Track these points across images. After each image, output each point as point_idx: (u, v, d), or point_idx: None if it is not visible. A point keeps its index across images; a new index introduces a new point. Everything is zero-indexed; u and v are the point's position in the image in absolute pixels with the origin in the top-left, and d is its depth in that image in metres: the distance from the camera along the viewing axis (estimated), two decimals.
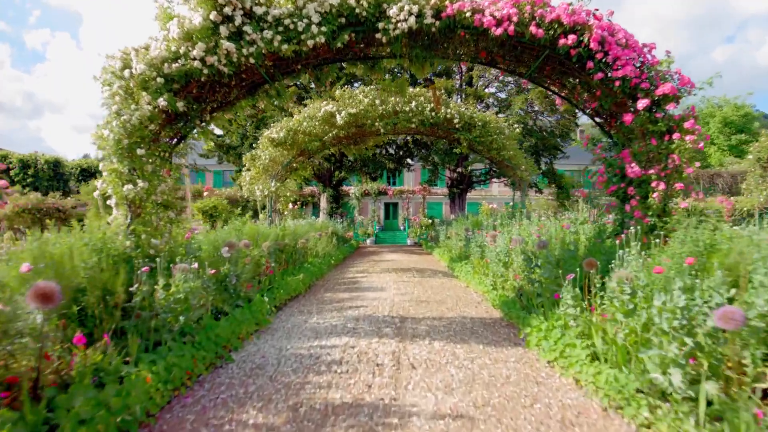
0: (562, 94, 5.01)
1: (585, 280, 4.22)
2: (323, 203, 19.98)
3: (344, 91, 9.18)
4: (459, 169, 19.87)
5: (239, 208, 20.86)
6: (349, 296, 6.73)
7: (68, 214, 10.40)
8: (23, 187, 23.16)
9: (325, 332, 4.58)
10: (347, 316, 5.30)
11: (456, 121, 8.92)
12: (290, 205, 12.37)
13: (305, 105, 9.59)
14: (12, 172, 25.11)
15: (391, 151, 19.94)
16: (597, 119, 5.01)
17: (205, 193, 8.68)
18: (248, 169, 9.73)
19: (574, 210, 10.40)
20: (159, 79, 4.04)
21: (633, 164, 4.32)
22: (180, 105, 4.19)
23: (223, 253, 4.71)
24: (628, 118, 4.14)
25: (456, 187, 19.84)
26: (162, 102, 4.04)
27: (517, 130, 9.63)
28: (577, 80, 4.64)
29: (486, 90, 19.05)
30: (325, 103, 8.98)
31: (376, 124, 8.82)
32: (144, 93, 4.06)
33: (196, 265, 3.76)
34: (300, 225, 12.59)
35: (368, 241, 27.59)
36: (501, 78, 18.26)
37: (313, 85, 16.46)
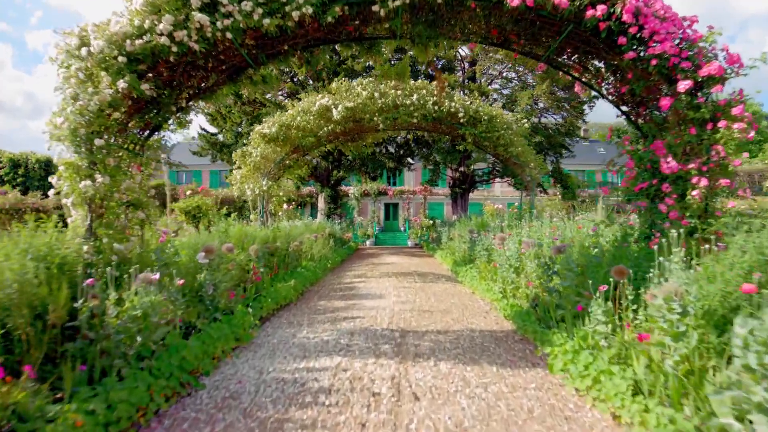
0: (584, 79, 4.46)
1: (613, 291, 3.67)
2: (321, 204, 19.42)
3: (341, 83, 8.64)
4: (461, 169, 19.32)
5: (233, 209, 20.25)
6: (344, 305, 6.17)
7: (49, 215, 9.81)
8: (13, 187, 22.62)
9: (315, 350, 4.02)
10: (341, 330, 4.75)
11: (460, 115, 8.37)
12: (285, 206, 11.82)
13: (300, 99, 9.04)
14: (2, 171, 24.58)
15: (391, 149, 19.40)
16: (623, 108, 4.45)
17: (188, 192, 8.18)
18: (239, 167, 9.19)
19: (585, 210, 9.85)
20: (120, 58, 3.49)
21: (668, 158, 3.77)
22: (146, 88, 3.64)
23: (199, 259, 4.16)
24: (665, 103, 3.58)
25: (458, 187, 19.29)
26: (123, 84, 3.49)
27: (526, 124, 9.09)
28: (603, 62, 4.08)
29: (490, 86, 18.51)
30: (320, 96, 8.44)
31: (375, 118, 8.27)
32: (104, 74, 3.52)
33: (159, 274, 3.20)
34: (295, 226, 12.05)
35: (368, 242, 27.05)
36: (504, 75, 17.73)
37: (310, 81, 15.94)
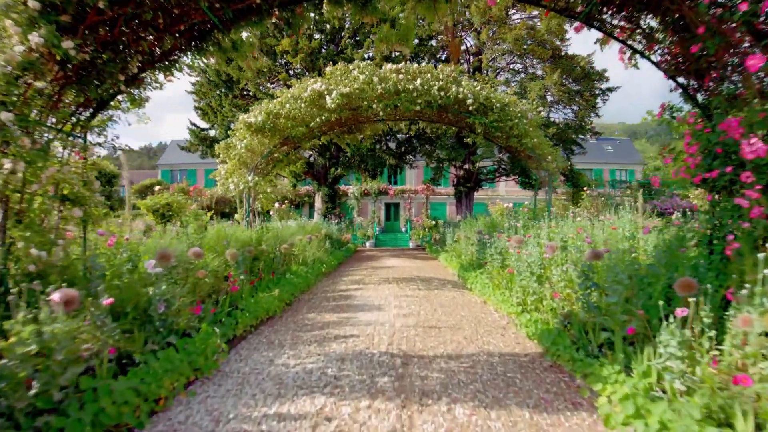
0: (631, 43, 3.61)
1: (667, 306, 2.83)
2: (318, 203, 18.60)
3: (336, 68, 7.80)
4: (466, 166, 18.48)
5: (228, 209, 19.44)
6: (336, 319, 5.33)
7: None
8: None
9: (294, 384, 3.18)
10: (330, 354, 3.91)
11: (469, 102, 7.53)
12: (277, 204, 11.00)
13: (290, 86, 8.21)
14: None
15: (392, 146, 18.58)
16: (679, 79, 3.60)
17: (157, 188, 7.40)
18: (223, 161, 8.37)
19: (603, 210, 8.97)
20: (32, 3, 2.66)
21: (752, 139, 2.92)
22: (70, 47, 2.81)
23: (148, 268, 3.33)
24: (753, 62, 2.74)
25: (463, 186, 18.45)
26: (36, 39, 2.66)
27: (543, 113, 8.22)
28: (660, 17, 3.24)
29: (498, 77, 17.67)
30: (312, 81, 7.60)
31: (374, 106, 7.43)
32: (11, 25, 2.69)
33: (84, 291, 2.37)
34: (288, 227, 11.22)
35: (368, 243, 26.22)
36: (512, 66, 16.90)
37: (306, 73, 15.11)
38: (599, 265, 3.97)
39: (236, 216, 8.16)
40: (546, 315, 4.72)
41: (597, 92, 16.80)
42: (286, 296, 6.13)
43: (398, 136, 19.29)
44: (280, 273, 7.30)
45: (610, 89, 16.94)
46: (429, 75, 7.57)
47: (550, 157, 8.34)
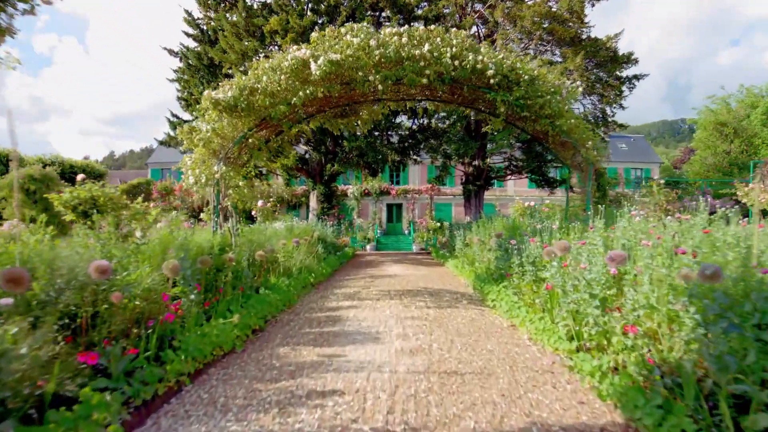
0: None
1: None
2: (313, 203, 17.19)
3: (324, 32, 6.40)
4: (475, 162, 17.04)
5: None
6: (316, 358, 3.91)
7: None
8: None
9: None
10: None
11: (490, 73, 6.10)
12: (260, 203, 9.60)
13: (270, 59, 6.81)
14: None
15: (394, 140, 17.16)
16: None
17: (79, 177, 6.26)
18: (189, 149, 6.97)
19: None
20: None
21: None
22: None
23: None
24: None
25: (472, 184, 17.01)
26: None
27: (580, 87, 6.78)
28: None
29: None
30: (295, 47, 6.20)
31: (371, 78, 6.01)
32: None
33: None
34: (272, 230, 9.82)
35: (368, 247, 24.83)
36: (528, 51, 15.45)
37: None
38: (724, 286, 2.55)
39: (202, 216, 6.75)
40: (617, 357, 3.28)
41: (623, 79, 15.34)
42: (253, 320, 4.71)
43: (400, 132, 17.91)
44: (252, 288, 5.88)
45: (637, 76, 15.47)
46: (439, 40, 6.15)
47: (590, 143, 6.90)
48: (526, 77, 6.28)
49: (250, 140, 6.75)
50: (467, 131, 16.04)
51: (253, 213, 9.68)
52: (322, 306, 6.32)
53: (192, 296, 4.31)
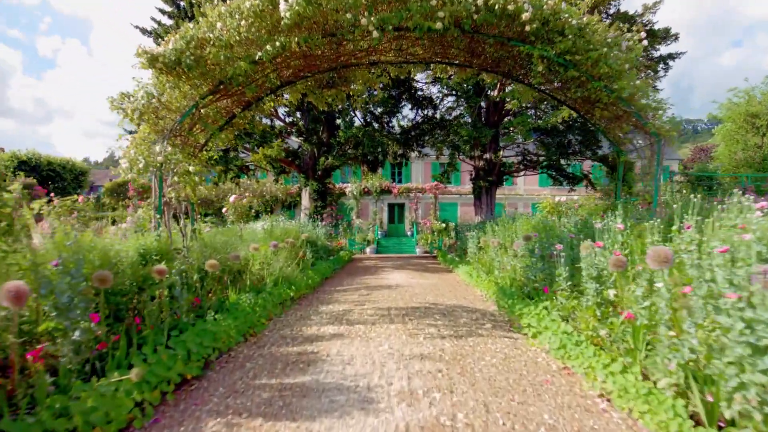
0: None
1: None
2: (305, 201, 15.62)
3: None
4: (487, 155, 15.44)
5: (212, 211, 16.57)
6: None
7: None
8: None
9: None
10: None
11: (525, 17, 4.53)
12: (232, 198, 8.03)
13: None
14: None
15: (396, 130, 15.59)
16: None
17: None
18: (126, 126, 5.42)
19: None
20: None
21: None
22: None
23: None
24: None
25: (483, 180, 15.40)
26: None
27: (644, 41, 5.18)
28: None
29: None
30: None
31: (364, 21, 4.45)
32: None
33: None
34: (251, 231, 8.28)
35: (368, 249, 23.29)
36: None
37: None
38: None
39: (140, 212, 5.19)
40: None
41: (656, 58, 13.73)
42: (177, 368, 3.14)
43: (402, 124, 16.36)
44: (194, 312, 4.31)
45: (672, 55, 13.85)
46: None
47: (660, 112, 5.30)
48: (574, 23, 4.69)
49: (203, 112, 5.18)
50: (478, 118, 14.45)
51: (224, 211, 8.13)
52: (297, 333, 4.75)
53: (77, 334, 2.77)
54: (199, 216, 6.18)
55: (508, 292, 6.05)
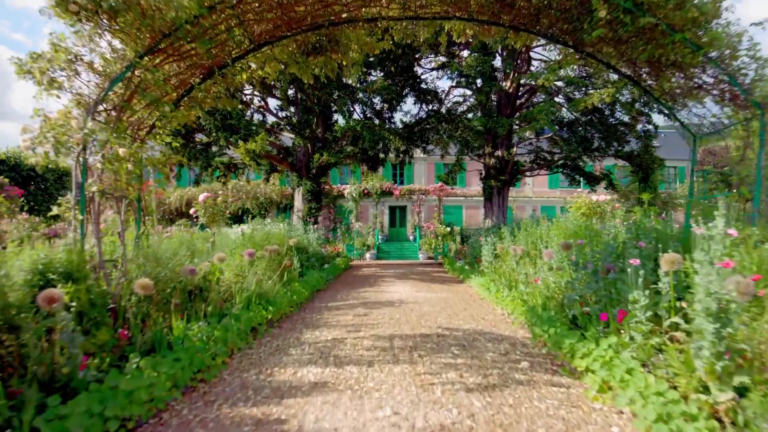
0: None
1: None
2: (297, 202, 14.35)
3: None
4: (499, 152, 14.18)
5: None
6: None
7: None
8: None
9: None
10: None
11: None
12: (201, 197, 6.77)
13: None
14: None
15: (398, 125, 14.34)
16: None
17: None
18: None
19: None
20: None
21: None
22: None
23: None
24: None
25: (495, 179, 14.14)
26: None
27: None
28: None
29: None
30: None
31: None
32: None
33: None
34: (224, 236, 7.04)
35: (367, 255, 22.01)
36: None
37: None
38: None
39: (55, 210, 3.92)
40: None
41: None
42: None
43: (405, 120, 15.14)
44: (121, 353, 3.03)
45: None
46: None
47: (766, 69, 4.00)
48: None
49: (144, 78, 3.90)
50: (494, 107, 13.19)
51: (192, 212, 6.86)
52: (265, 380, 3.46)
53: None
54: (148, 218, 4.90)
55: (545, 316, 4.76)
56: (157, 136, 4.88)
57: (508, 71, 13.49)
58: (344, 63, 5.08)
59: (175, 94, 4.58)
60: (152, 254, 4.03)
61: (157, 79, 3.91)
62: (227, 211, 6.69)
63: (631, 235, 4.82)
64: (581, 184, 15.09)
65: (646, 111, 12.19)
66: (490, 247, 8.97)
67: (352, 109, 12.71)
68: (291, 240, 8.52)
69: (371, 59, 10.83)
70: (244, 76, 5.06)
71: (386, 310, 6.45)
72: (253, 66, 5.02)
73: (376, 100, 13.20)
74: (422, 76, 15.32)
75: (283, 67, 5.04)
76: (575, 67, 12.12)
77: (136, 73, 3.86)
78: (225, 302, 5.02)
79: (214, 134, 10.40)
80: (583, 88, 11.47)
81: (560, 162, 15.73)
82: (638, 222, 4.89)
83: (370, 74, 11.08)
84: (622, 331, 3.52)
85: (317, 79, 11.69)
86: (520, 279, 6.46)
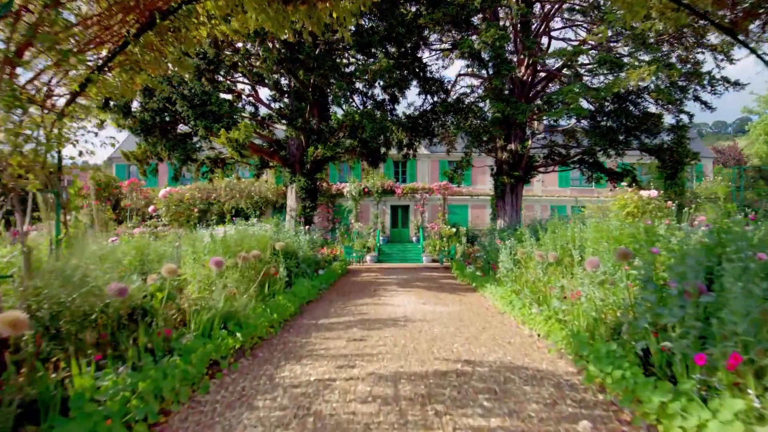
0: None
1: None
2: (290, 200, 13.20)
3: None
4: (512, 146, 13.00)
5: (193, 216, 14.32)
6: None
7: None
8: None
9: None
10: None
11: None
12: (162, 192, 5.63)
13: None
14: None
15: (399, 112, 13.19)
16: None
17: None
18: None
19: None
20: None
21: None
22: None
23: None
24: None
25: (508, 175, 12.97)
26: None
27: None
28: None
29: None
30: None
31: None
32: None
33: None
34: (196, 238, 5.94)
35: (368, 257, 20.88)
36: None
37: None
38: None
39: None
40: None
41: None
42: None
43: (407, 112, 14.00)
44: None
45: None
46: None
47: None
48: None
49: (41, 16, 2.75)
50: (512, 91, 12.00)
51: (151, 210, 5.71)
52: None
53: None
54: (70, 217, 3.76)
55: (601, 349, 3.60)
56: (92, 111, 3.74)
57: (523, 55, 12.30)
58: (335, 15, 3.93)
59: (105, 51, 3.43)
60: (59, 270, 2.89)
61: (66, 29, 2.77)
62: (195, 210, 5.54)
63: (714, 242, 3.68)
64: (595, 182, 13.93)
65: (681, 97, 10.96)
66: (509, 252, 7.81)
67: (350, 97, 11.57)
68: (277, 243, 7.37)
69: (372, 37, 9.67)
70: (204, 32, 3.91)
71: (389, 332, 5.30)
72: (215, 19, 3.88)
73: (377, 91, 12.09)
74: (428, 66, 14.20)
75: (254, 18, 3.88)
76: (604, 43, 11.01)
77: (30, 7, 2.71)
78: (178, 328, 3.88)
79: (192, 122, 9.25)
80: (615, 70, 10.24)
81: (577, 158, 14.57)
82: (723, 225, 3.74)
83: (370, 54, 9.93)
84: (742, 386, 2.38)
85: (310, 62, 10.54)
86: (554, 294, 5.30)
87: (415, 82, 13.86)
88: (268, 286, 6.43)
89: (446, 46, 13.27)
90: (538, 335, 5.25)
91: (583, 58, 11.31)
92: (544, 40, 13.79)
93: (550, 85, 13.66)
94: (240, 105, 14.31)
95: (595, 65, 10.18)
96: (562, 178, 28.96)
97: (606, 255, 5.00)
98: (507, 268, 7.71)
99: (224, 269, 4.96)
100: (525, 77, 12.89)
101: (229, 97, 13.28)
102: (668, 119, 12.25)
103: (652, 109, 12.06)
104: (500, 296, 7.13)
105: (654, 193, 6.14)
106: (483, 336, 5.20)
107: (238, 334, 4.17)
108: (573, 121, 14.01)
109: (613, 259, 4.60)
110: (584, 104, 13.22)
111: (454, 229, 24.65)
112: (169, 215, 5.38)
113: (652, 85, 10.79)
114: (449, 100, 13.97)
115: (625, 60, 10.49)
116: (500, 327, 5.75)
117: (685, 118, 11.72)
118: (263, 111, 15.02)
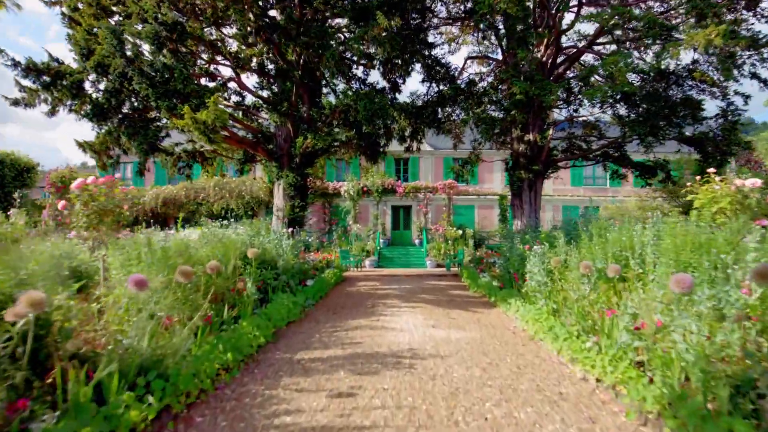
0: None
1: None
2: (277, 199, 11.74)
3: None
4: (529, 137, 11.53)
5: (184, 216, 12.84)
6: None
7: None
8: None
9: None
10: None
11: None
12: (74, 184, 4.16)
13: None
14: None
15: (401, 100, 11.73)
16: None
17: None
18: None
19: None
20: None
21: None
22: None
23: None
24: None
25: (525, 170, 11.50)
26: None
27: None
28: None
29: None
30: None
31: None
32: None
33: None
34: (136, 245, 4.50)
35: (367, 262, 19.41)
36: None
37: None
38: None
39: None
40: None
41: None
42: None
43: (409, 102, 12.57)
44: None
45: None
46: None
47: None
48: None
49: None
50: (538, 69, 10.52)
51: (60, 206, 4.28)
52: None
53: None
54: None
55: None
56: None
57: (543, 34, 10.82)
58: None
59: None
60: None
61: None
62: (124, 208, 4.09)
63: None
64: (610, 180, 12.48)
65: (737, 75, 9.42)
66: (541, 261, 6.34)
67: (346, 74, 10.14)
68: (250, 251, 5.93)
69: (370, 2, 8.23)
70: None
71: (389, 380, 3.83)
72: None
73: (376, 78, 10.72)
74: (434, 46, 12.78)
75: None
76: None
77: None
78: (50, 395, 2.43)
79: (153, 102, 7.79)
80: (665, 37, 8.72)
81: (600, 151, 13.11)
82: None
83: (366, 25, 8.50)
84: None
85: (293, 28, 8.98)
86: (623, 325, 3.83)
87: (418, 66, 12.48)
88: (231, 307, 4.98)
89: (457, 14, 11.79)
90: (597, 380, 3.80)
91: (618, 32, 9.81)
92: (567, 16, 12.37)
93: (574, 66, 12.21)
94: (225, 95, 12.93)
95: (641, 31, 8.63)
96: (574, 176, 27.46)
97: (699, 270, 3.56)
98: (539, 281, 6.24)
99: (153, 290, 3.51)
100: (545, 58, 11.46)
101: (212, 85, 11.91)
102: (711, 106, 10.86)
103: (694, 93, 10.59)
104: (532, 318, 5.66)
105: (757, 182, 4.71)
106: (522, 384, 3.74)
107: (151, 398, 2.71)
108: (596, 109, 12.53)
109: (705, 278, 3.16)
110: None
111: (459, 231, 23.19)
112: (85, 216, 3.93)
113: (702, 59, 9.32)
114: (460, 84, 12.56)
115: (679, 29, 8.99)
116: (540, 365, 4.29)
117: (738, 100, 10.23)
118: (250, 99, 13.62)
